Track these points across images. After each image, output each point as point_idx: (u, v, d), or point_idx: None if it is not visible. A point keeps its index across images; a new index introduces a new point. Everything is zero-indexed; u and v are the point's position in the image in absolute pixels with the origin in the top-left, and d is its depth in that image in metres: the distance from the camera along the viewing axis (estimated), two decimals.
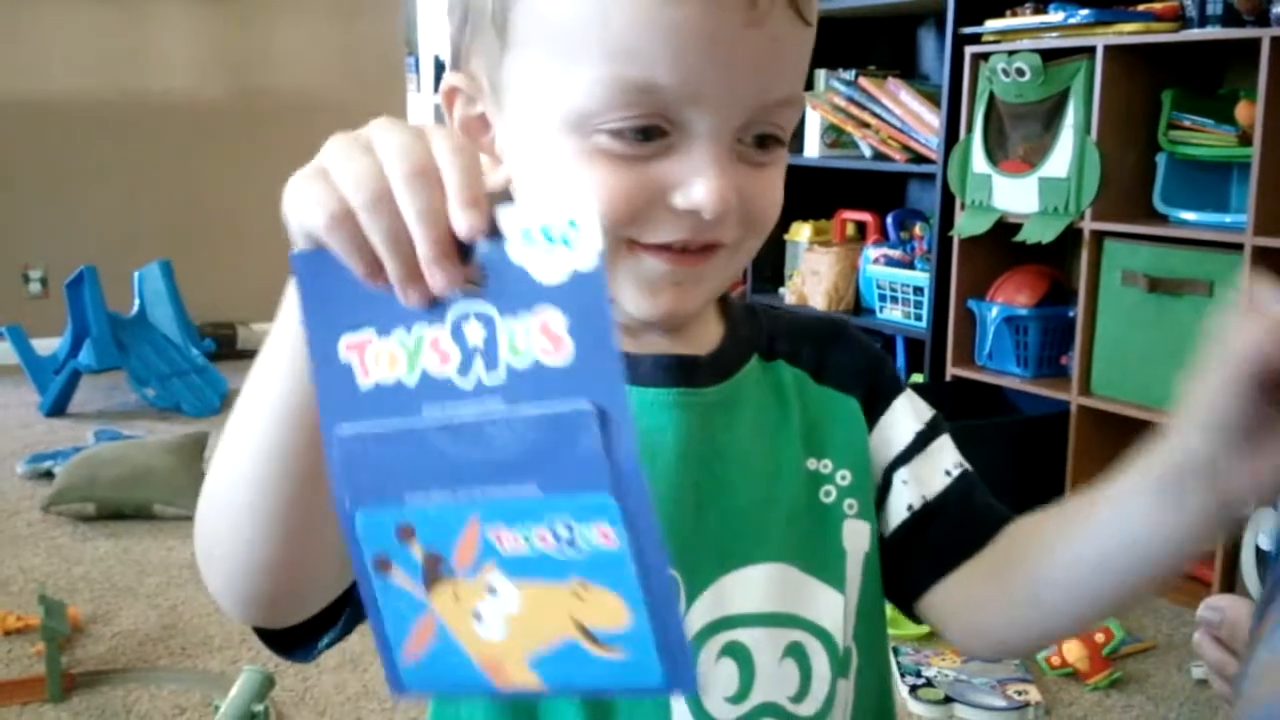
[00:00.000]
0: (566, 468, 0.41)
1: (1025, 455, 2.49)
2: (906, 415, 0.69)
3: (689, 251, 0.58)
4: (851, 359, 0.69)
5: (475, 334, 0.41)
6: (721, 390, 0.64)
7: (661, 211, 0.57)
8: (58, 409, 3.65)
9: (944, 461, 0.68)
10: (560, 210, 0.40)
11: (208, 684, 1.93)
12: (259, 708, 1.72)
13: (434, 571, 0.44)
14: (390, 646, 0.45)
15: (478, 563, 0.43)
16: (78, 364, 3.59)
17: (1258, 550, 2.15)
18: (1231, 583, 2.21)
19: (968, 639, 0.68)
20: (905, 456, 0.67)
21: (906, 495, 0.67)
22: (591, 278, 0.40)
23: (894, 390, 0.69)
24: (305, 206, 0.42)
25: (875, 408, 0.68)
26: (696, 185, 0.55)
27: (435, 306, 0.42)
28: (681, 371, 0.63)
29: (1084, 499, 0.60)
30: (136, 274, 3.79)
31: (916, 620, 0.69)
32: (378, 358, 0.42)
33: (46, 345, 3.75)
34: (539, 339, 0.41)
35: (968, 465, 0.69)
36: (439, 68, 6.21)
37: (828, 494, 0.65)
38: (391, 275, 0.41)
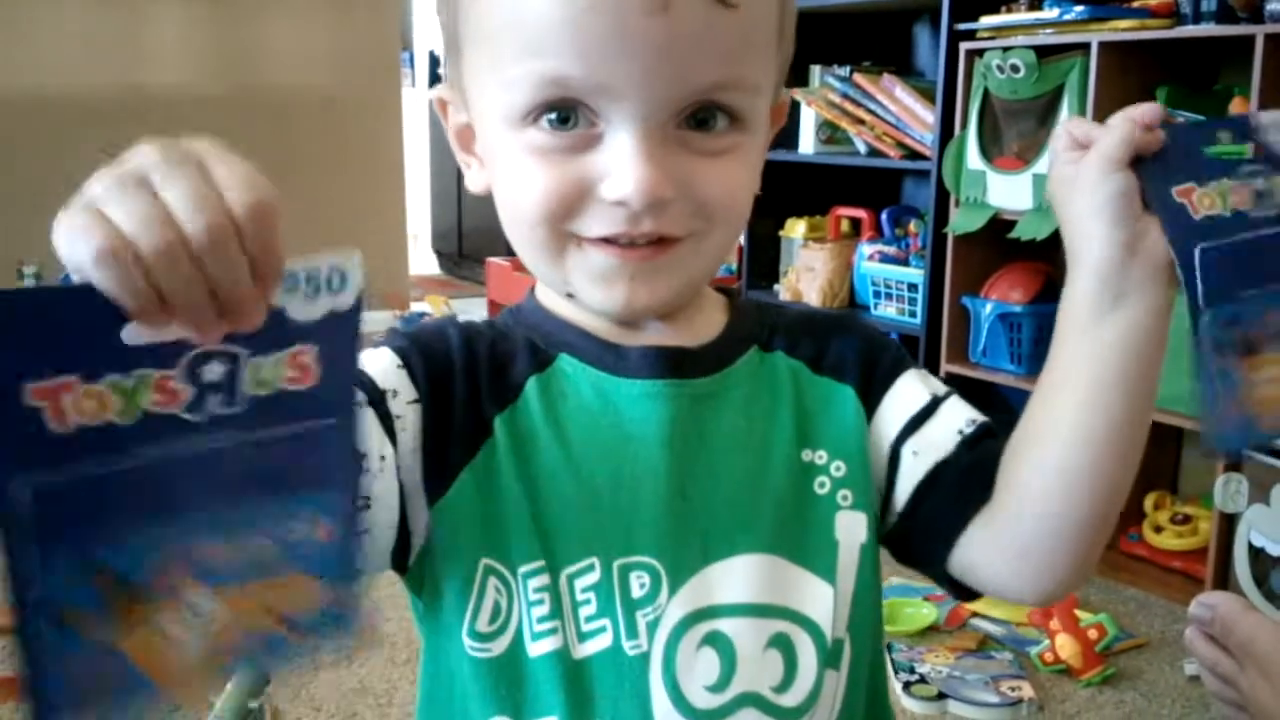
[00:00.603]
0: (297, 477, 0.45)
1: None
2: (912, 389, 0.68)
3: (637, 245, 0.59)
4: (849, 347, 0.68)
5: (214, 373, 0.42)
6: (711, 382, 0.65)
7: (593, 204, 0.58)
8: None
9: (956, 422, 0.67)
10: (325, 261, 0.43)
11: None
12: (254, 704, 1.72)
13: (124, 602, 0.42)
14: (49, 695, 0.42)
15: (179, 583, 0.43)
16: None
17: (1250, 547, 2.16)
18: (1225, 580, 2.22)
19: (1013, 583, 0.64)
20: (911, 427, 0.66)
21: (919, 466, 0.66)
22: (347, 317, 0.44)
23: (897, 369, 0.68)
24: (75, 239, 0.39)
25: (875, 390, 0.67)
26: (618, 176, 0.56)
27: (170, 350, 0.41)
28: (670, 363, 0.64)
29: (1040, 378, 0.64)
30: None
31: (956, 587, 0.67)
32: (79, 403, 0.40)
33: None
34: (287, 370, 0.43)
35: (983, 418, 0.67)
36: (434, 63, 6.21)
37: (821, 485, 0.65)
38: (189, 324, 0.40)
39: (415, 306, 5.04)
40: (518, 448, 0.62)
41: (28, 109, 4.30)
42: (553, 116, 0.57)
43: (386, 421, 0.60)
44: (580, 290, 0.61)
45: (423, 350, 0.63)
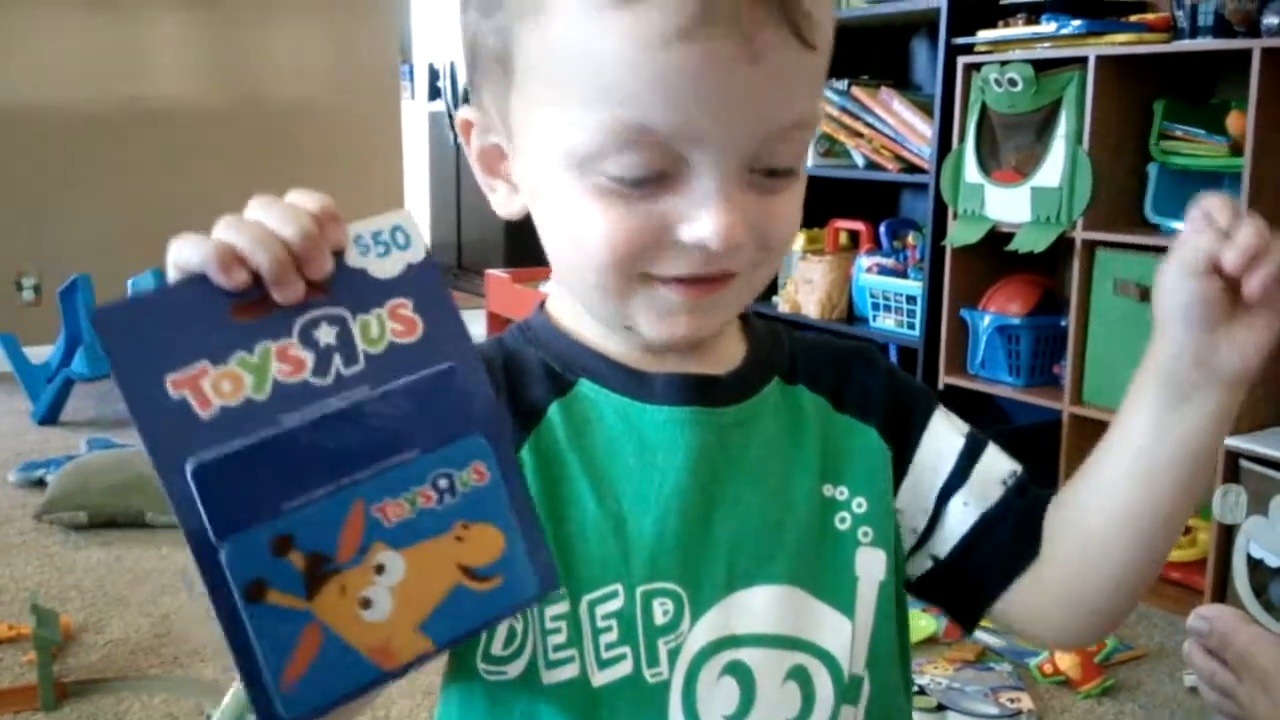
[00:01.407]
0: (440, 423, 0.46)
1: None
2: (947, 436, 0.69)
3: (702, 280, 0.58)
4: (871, 386, 0.68)
5: (328, 335, 0.45)
6: (739, 410, 0.64)
7: (669, 246, 0.57)
8: (50, 417, 3.65)
9: (999, 472, 0.68)
10: (384, 220, 0.47)
11: (200, 692, 1.93)
12: (251, 716, 1.72)
13: (317, 572, 0.44)
14: (265, 677, 0.44)
15: (364, 546, 0.45)
16: (70, 372, 3.59)
17: (1249, 559, 2.16)
18: (1224, 591, 2.22)
19: (1057, 632, 0.68)
20: (958, 476, 0.67)
21: (968, 516, 0.67)
22: (423, 266, 0.47)
23: (927, 413, 0.69)
24: (177, 246, 0.45)
25: (910, 436, 0.68)
26: (702, 221, 0.56)
27: (278, 320, 0.44)
28: (698, 390, 0.63)
29: (1101, 443, 0.65)
30: (130, 282, 3.78)
31: (975, 624, 0.70)
32: (217, 384, 0.43)
33: (39, 353, 3.75)
34: (392, 324, 0.46)
35: (1019, 467, 0.69)
36: (433, 76, 6.22)
37: (843, 520, 0.65)
38: (265, 271, 0.44)
39: None
40: (543, 471, 0.61)
41: (27, 120, 4.31)
42: (629, 174, 0.55)
43: None
44: (640, 324, 0.60)
45: None
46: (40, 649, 1.87)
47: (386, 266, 0.46)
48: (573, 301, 0.65)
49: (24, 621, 2.05)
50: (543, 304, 0.69)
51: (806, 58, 0.55)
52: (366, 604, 0.45)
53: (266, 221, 0.45)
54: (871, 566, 0.65)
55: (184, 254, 0.44)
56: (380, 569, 0.45)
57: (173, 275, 0.44)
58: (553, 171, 0.58)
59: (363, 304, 0.46)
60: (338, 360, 0.45)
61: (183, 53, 4.58)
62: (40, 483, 2.98)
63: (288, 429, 0.44)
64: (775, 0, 0.52)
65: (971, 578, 0.67)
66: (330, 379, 0.45)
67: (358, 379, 0.45)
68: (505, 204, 0.64)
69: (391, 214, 0.47)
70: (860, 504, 0.65)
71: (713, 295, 0.59)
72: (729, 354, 0.66)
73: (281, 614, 0.44)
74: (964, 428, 0.70)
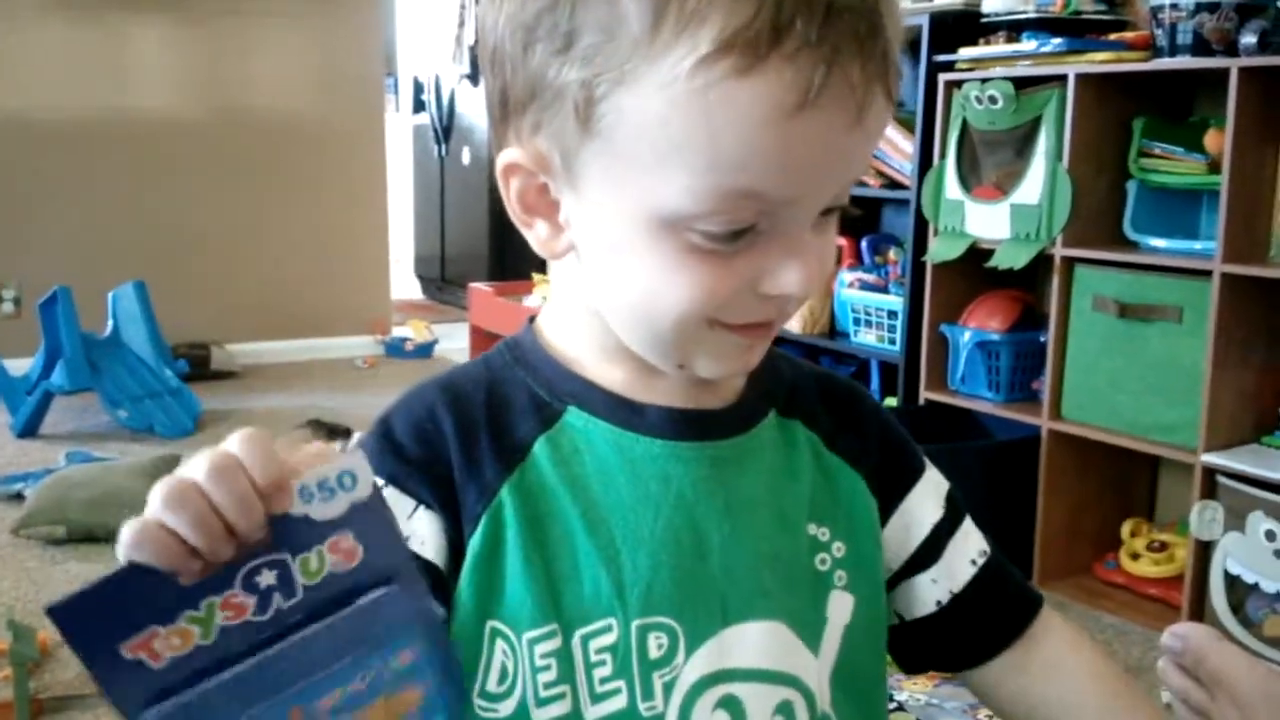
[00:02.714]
0: (378, 636, 0.49)
1: (997, 479, 2.51)
2: (927, 504, 0.71)
3: (765, 323, 0.60)
4: (866, 435, 0.70)
5: (268, 578, 0.47)
6: (734, 444, 0.65)
7: (749, 297, 0.57)
8: (29, 430, 3.62)
9: (969, 551, 0.71)
10: (333, 468, 0.47)
11: None
12: None
13: None
14: None
15: None
16: (50, 385, 3.56)
17: (1226, 575, 2.17)
18: (1201, 607, 2.23)
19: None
20: (931, 554, 0.70)
21: (935, 592, 0.70)
22: (369, 504, 0.47)
23: (912, 475, 0.71)
24: (130, 540, 0.46)
25: (891, 490, 0.70)
26: (787, 273, 0.56)
27: (222, 575, 0.46)
28: (693, 425, 0.64)
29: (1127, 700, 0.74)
30: (110, 294, 3.77)
31: (909, 672, 0.74)
32: (168, 641, 0.46)
33: (18, 365, 3.73)
34: (331, 556, 0.48)
35: (988, 547, 0.72)
36: (418, 88, 6.22)
37: (823, 561, 0.66)
38: (206, 554, 0.45)
39: (397, 331, 5.03)
40: (528, 510, 0.61)
41: (8, 131, 4.29)
42: (727, 229, 0.55)
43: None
44: (698, 367, 0.60)
45: (415, 460, 0.62)
46: (17, 665, 1.86)
47: (330, 509, 0.47)
48: (573, 325, 0.65)
49: (0, 637, 2.03)
50: (532, 320, 0.68)
51: (890, 110, 0.56)
52: None
53: (213, 496, 0.45)
54: (841, 610, 0.66)
55: (134, 550, 0.46)
56: None
57: (124, 561, 0.46)
58: (636, 229, 0.56)
59: (303, 545, 0.47)
60: (277, 598, 0.47)
61: (166, 64, 4.57)
62: (18, 496, 2.95)
63: (234, 669, 0.47)
64: (880, 65, 0.53)
65: (933, 646, 0.72)
66: (270, 614, 0.47)
67: (296, 609, 0.48)
68: (548, 243, 0.61)
69: (342, 459, 0.47)
70: (840, 548, 0.66)
71: (769, 332, 0.61)
72: (728, 384, 0.66)
73: None
74: (942, 495, 0.71)
